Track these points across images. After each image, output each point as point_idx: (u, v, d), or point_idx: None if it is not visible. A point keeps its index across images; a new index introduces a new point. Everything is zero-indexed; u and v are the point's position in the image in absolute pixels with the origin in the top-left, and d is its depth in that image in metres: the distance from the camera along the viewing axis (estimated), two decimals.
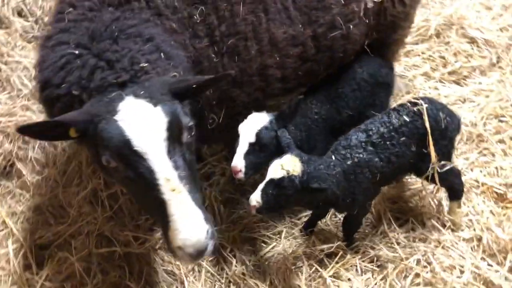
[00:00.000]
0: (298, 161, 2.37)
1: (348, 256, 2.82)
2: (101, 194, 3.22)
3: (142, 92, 2.03)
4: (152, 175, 1.96)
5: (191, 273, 2.94)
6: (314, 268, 2.74)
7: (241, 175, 2.59)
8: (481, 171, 3.29)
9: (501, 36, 4.20)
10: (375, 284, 2.74)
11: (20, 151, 3.41)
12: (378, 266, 2.85)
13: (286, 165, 2.34)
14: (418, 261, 2.77)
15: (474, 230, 2.94)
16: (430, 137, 2.63)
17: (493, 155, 3.39)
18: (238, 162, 2.56)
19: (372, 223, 3.09)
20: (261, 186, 2.36)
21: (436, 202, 3.11)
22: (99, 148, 2.03)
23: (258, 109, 2.75)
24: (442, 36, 4.26)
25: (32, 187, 3.35)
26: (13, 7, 3.96)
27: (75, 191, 3.26)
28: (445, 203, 3.07)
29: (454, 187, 2.90)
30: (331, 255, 2.84)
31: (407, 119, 2.66)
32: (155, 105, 2.01)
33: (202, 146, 3.46)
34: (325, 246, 2.82)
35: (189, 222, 1.96)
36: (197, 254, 1.99)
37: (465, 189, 3.05)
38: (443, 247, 2.84)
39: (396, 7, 2.98)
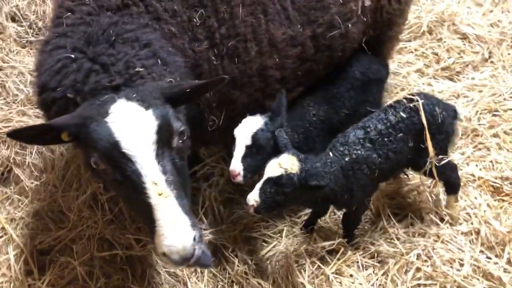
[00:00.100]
0: (296, 160, 2.39)
1: (349, 253, 2.85)
2: (100, 197, 3.21)
3: (134, 95, 2.04)
4: (139, 178, 1.96)
5: (193, 274, 2.94)
6: (316, 265, 2.76)
7: (239, 179, 2.59)
8: (476, 165, 3.34)
9: (492, 32, 4.27)
10: (377, 279, 2.76)
11: (17, 156, 3.39)
12: (379, 262, 2.87)
13: (284, 164, 2.36)
14: (418, 256, 2.80)
15: (472, 223, 2.98)
16: (427, 132, 2.67)
17: (488, 149, 3.44)
18: (236, 165, 2.57)
19: (371, 219, 3.13)
20: (258, 185, 2.36)
21: (434, 197, 3.15)
22: (88, 150, 2.04)
23: (258, 110, 2.76)
24: (435, 33, 4.32)
25: (30, 193, 3.34)
26: (6, 12, 3.93)
27: (74, 196, 3.25)
28: (443, 197, 3.11)
29: (451, 181, 2.94)
30: (332, 252, 2.87)
31: (403, 115, 2.69)
32: (146, 108, 2.01)
33: (201, 147, 3.47)
34: (326, 243, 2.84)
35: (175, 228, 1.94)
36: (182, 261, 1.97)
37: (461, 183, 3.10)
38: (442, 241, 2.88)
39: (392, 4, 3.03)
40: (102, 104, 2.02)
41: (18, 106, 3.59)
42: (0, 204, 3.34)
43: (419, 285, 2.69)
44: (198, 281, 2.91)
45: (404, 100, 2.75)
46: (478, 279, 2.67)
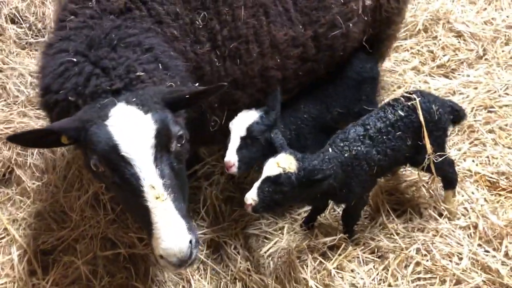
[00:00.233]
0: (293, 159, 2.43)
1: (350, 248, 2.89)
2: (102, 197, 3.24)
3: (134, 99, 2.06)
4: (137, 181, 1.98)
5: (196, 271, 2.98)
6: (318, 261, 2.79)
7: (234, 170, 2.63)
8: (473, 161, 3.40)
9: (486, 29, 4.33)
10: (377, 274, 2.80)
11: (19, 157, 3.41)
12: (379, 257, 2.91)
13: (282, 163, 2.39)
14: (418, 250, 2.85)
15: (470, 218, 3.03)
16: (425, 130, 2.72)
17: (484, 144, 3.50)
18: (231, 157, 2.61)
19: (371, 215, 3.17)
20: (256, 184, 2.39)
21: (432, 193, 3.20)
22: (88, 152, 2.07)
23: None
24: (430, 31, 4.38)
25: (32, 193, 3.36)
26: (5, 14, 3.94)
27: (76, 196, 3.28)
28: (441, 193, 3.16)
29: (449, 176, 2.99)
30: (333, 248, 2.90)
31: (402, 113, 2.74)
32: (145, 112, 2.04)
33: (202, 147, 3.50)
34: (327, 239, 2.88)
35: (172, 231, 1.97)
36: (179, 264, 2.00)
37: (458, 179, 3.15)
38: (441, 236, 2.92)
39: (391, 3, 3.08)
40: (102, 108, 2.05)
41: (18, 108, 3.61)
42: (2, 205, 3.36)
43: (419, 279, 2.73)
44: (201, 278, 2.95)
45: (402, 99, 2.80)
46: (477, 272, 2.71)
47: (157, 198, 1.97)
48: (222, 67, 2.60)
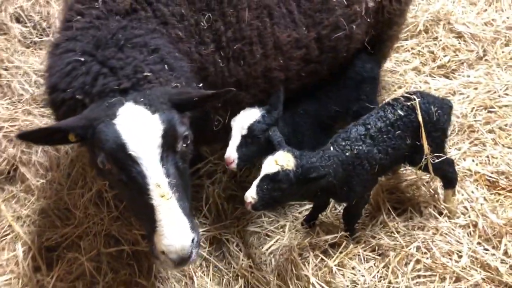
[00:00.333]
0: (291, 157, 2.45)
1: (351, 246, 2.92)
2: (106, 195, 3.27)
3: (142, 99, 2.10)
4: (143, 179, 2.02)
5: (199, 268, 3.01)
6: (319, 258, 2.82)
7: (233, 166, 2.69)
8: (473, 160, 3.43)
9: (486, 30, 4.36)
10: (378, 271, 2.83)
11: (23, 155, 3.44)
12: (379, 255, 2.95)
13: (280, 161, 2.42)
14: (418, 248, 2.88)
15: (470, 216, 3.06)
16: (423, 130, 2.76)
17: (484, 144, 3.53)
18: (231, 153, 2.67)
19: (372, 213, 3.20)
20: (255, 182, 2.42)
21: (432, 192, 3.24)
22: (95, 149, 2.09)
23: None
24: (431, 32, 4.42)
25: (36, 191, 3.39)
26: (11, 13, 3.97)
27: (80, 193, 3.31)
28: (441, 192, 3.19)
29: (448, 176, 3.03)
30: (334, 246, 2.93)
31: (401, 113, 2.78)
32: (153, 112, 2.07)
33: (204, 146, 3.53)
34: (329, 237, 2.90)
35: (175, 229, 2.00)
36: (180, 261, 2.03)
37: (458, 178, 3.18)
38: (441, 234, 2.96)
39: (393, 4, 3.11)
40: (110, 107, 2.08)
41: (23, 106, 3.64)
42: (7, 202, 3.39)
43: (419, 276, 2.76)
44: (204, 275, 2.98)
45: (402, 98, 2.84)
46: (476, 270, 2.75)
47: (162, 196, 2.01)
48: (226, 68, 2.63)
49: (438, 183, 3.20)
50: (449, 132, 3.16)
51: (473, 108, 3.75)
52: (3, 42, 3.87)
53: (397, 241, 2.95)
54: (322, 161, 2.56)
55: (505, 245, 2.86)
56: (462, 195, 3.20)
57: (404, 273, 2.78)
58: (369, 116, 2.83)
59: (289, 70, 2.85)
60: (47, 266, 3.04)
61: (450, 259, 2.81)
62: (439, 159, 2.83)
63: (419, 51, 4.32)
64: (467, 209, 3.12)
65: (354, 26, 2.94)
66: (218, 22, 2.55)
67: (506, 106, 3.76)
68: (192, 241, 2.03)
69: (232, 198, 3.42)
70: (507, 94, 3.86)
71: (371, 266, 2.88)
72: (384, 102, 3.10)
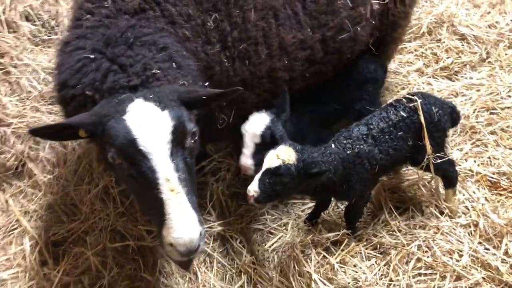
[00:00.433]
0: (293, 151, 2.49)
1: (353, 244, 2.96)
2: (112, 191, 3.32)
3: (151, 96, 2.14)
4: (153, 174, 2.05)
5: (203, 264, 3.06)
6: (321, 255, 2.86)
7: (251, 172, 2.76)
8: (475, 161, 3.47)
9: (489, 33, 4.40)
10: (379, 269, 2.87)
11: (31, 151, 3.49)
12: (381, 253, 2.98)
13: (281, 155, 2.46)
14: (419, 247, 2.91)
15: (471, 216, 3.09)
16: (425, 131, 2.80)
17: (486, 145, 3.56)
18: (248, 161, 2.73)
19: (374, 212, 3.24)
20: (257, 176, 2.47)
21: (433, 191, 3.27)
22: (105, 145, 2.13)
23: (266, 108, 2.87)
24: (434, 34, 4.46)
25: (43, 186, 3.44)
26: (20, 11, 4.02)
27: (86, 189, 3.36)
28: (442, 191, 3.22)
29: (449, 176, 3.07)
30: (336, 243, 2.97)
31: (403, 114, 2.82)
32: (162, 109, 2.11)
33: (209, 143, 3.58)
34: (331, 235, 2.94)
35: (184, 222, 2.04)
36: (187, 253, 2.07)
37: (460, 178, 3.23)
38: (442, 233, 2.99)
39: (398, 7, 3.15)
40: (120, 103, 2.12)
41: (31, 103, 3.68)
42: (14, 197, 3.44)
43: (419, 274, 2.79)
44: (208, 270, 3.02)
45: (404, 100, 2.88)
46: (477, 269, 2.78)
47: (171, 190, 2.05)
48: (231, 68, 2.67)
49: (439, 183, 3.23)
50: (448, 133, 3.19)
51: (475, 109, 3.78)
52: (13, 40, 3.92)
53: (399, 239, 2.98)
54: (324, 157, 2.60)
55: (506, 245, 2.89)
56: (464, 195, 3.24)
57: (405, 271, 2.81)
58: (371, 116, 2.87)
59: (293, 70, 2.89)
60: (54, 260, 3.09)
61: (451, 258, 2.84)
62: (441, 159, 2.87)
63: (422, 52, 4.36)
64: (468, 209, 3.15)
65: (358, 28, 2.98)
66: (224, 23, 2.60)
67: (508, 107, 3.79)
68: (200, 234, 2.08)
69: (236, 195, 3.47)
70: (509, 96, 3.89)
71: (373, 264, 2.91)
72: (386, 103, 3.14)
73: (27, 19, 4.10)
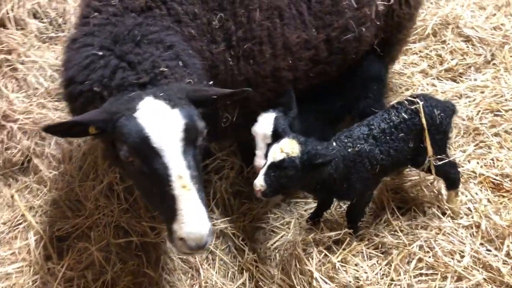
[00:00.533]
0: (296, 143, 2.50)
1: (355, 243, 2.96)
2: (116, 187, 3.35)
3: (161, 94, 2.16)
4: (166, 171, 2.08)
5: (205, 261, 3.08)
6: (323, 254, 2.87)
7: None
8: (478, 163, 3.46)
9: (494, 35, 4.39)
10: (381, 269, 2.87)
11: (37, 147, 3.54)
12: (382, 253, 2.99)
13: (285, 148, 2.47)
14: (421, 247, 2.91)
15: (473, 217, 3.09)
16: (427, 133, 2.82)
17: (489, 147, 3.56)
18: (262, 162, 2.72)
19: (376, 212, 3.25)
20: (262, 170, 2.49)
21: (436, 192, 3.28)
22: (117, 143, 2.16)
23: (271, 107, 2.88)
24: (439, 35, 4.45)
25: (49, 182, 3.48)
26: (28, 9, 4.07)
27: (91, 185, 3.39)
28: (444, 192, 3.22)
29: (451, 177, 3.07)
30: (338, 242, 2.98)
31: (405, 116, 2.83)
32: (172, 107, 2.13)
33: (213, 142, 3.60)
34: (332, 233, 2.95)
35: (195, 218, 2.08)
36: (197, 248, 2.10)
37: (463, 180, 3.23)
38: (443, 234, 2.99)
39: (403, 8, 3.16)
40: (130, 100, 2.14)
41: (38, 99, 3.72)
42: (20, 193, 3.49)
43: (421, 274, 2.79)
44: (210, 267, 3.05)
45: (406, 102, 2.89)
46: (478, 270, 2.77)
47: (183, 187, 2.08)
48: (235, 67, 2.69)
49: (441, 184, 3.24)
50: (451, 134, 3.20)
51: (479, 111, 3.78)
52: (20, 37, 3.97)
53: (400, 239, 2.99)
54: (327, 151, 2.60)
55: (508, 246, 2.88)
56: (466, 196, 3.24)
57: (406, 271, 2.81)
58: (373, 117, 2.89)
59: (297, 70, 2.91)
60: (58, 255, 3.13)
61: (452, 258, 2.84)
62: (442, 161, 2.88)
63: (427, 54, 4.36)
64: (470, 210, 3.15)
65: (363, 29, 2.99)
66: (230, 22, 2.62)
67: None
68: (209, 229, 2.11)
69: (239, 193, 3.49)
70: None
71: (374, 264, 2.92)
72: (389, 104, 3.16)
73: (35, 16, 4.14)
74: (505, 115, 3.74)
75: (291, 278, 2.82)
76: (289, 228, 3.25)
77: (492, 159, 3.47)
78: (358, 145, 2.73)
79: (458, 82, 4.13)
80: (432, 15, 4.55)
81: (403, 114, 2.84)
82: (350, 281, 2.76)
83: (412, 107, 2.83)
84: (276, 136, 2.64)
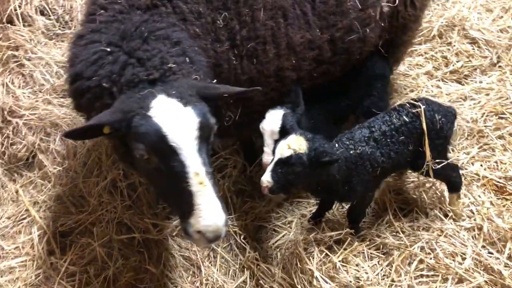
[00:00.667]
0: (303, 140, 2.50)
1: (356, 243, 2.97)
2: (120, 184, 3.38)
3: (173, 92, 2.17)
4: (183, 169, 2.11)
5: (206, 258, 3.10)
6: (324, 253, 2.87)
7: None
8: (481, 165, 3.45)
9: (501, 37, 4.36)
10: (381, 269, 2.87)
11: (42, 143, 3.57)
12: (384, 253, 2.99)
13: (292, 145, 2.47)
14: (422, 248, 2.92)
15: (475, 220, 3.09)
16: (426, 138, 2.81)
17: (493, 150, 3.55)
18: (269, 158, 2.71)
19: (378, 213, 3.25)
20: (270, 167, 2.49)
21: (438, 194, 3.27)
22: (131, 141, 2.17)
23: (274, 106, 2.88)
24: (445, 37, 4.43)
25: (53, 178, 3.51)
26: (36, 5, 4.11)
27: (95, 182, 3.42)
28: (447, 194, 3.21)
29: (452, 180, 3.07)
30: (339, 242, 2.98)
31: (406, 119, 2.83)
32: (185, 105, 2.15)
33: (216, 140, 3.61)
34: (334, 233, 2.95)
35: (213, 211, 2.13)
36: (214, 238, 2.17)
37: (466, 182, 3.23)
38: (445, 236, 2.99)
39: (408, 10, 3.15)
40: (143, 99, 2.15)
41: (44, 95, 3.76)
42: (24, 188, 3.52)
43: (422, 275, 2.80)
44: (211, 265, 3.07)
45: (407, 105, 2.89)
46: (479, 273, 2.77)
47: (200, 183, 2.12)
48: (239, 66, 2.70)
49: (444, 186, 3.24)
50: (456, 137, 3.19)
51: (484, 113, 3.76)
52: (28, 33, 4.01)
53: (402, 240, 2.99)
54: (332, 150, 2.61)
55: (510, 249, 2.88)
56: (469, 198, 3.23)
57: (407, 272, 2.82)
58: (374, 119, 2.89)
59: (301, 70, 2.91)
60: (61, 250, 3.16)
61: (454, 260, 2.84)
62: (440, 165, 2.87)
63: (432, 55, 4.34)
64: (473, 213, 3.14)
65: (367, 30, 2.98)
66: (234, 21, 2.63)
67: None
68: (225, 221, 2.18)
69: (242, 192, 3.51)
70: None
71: (375, 264, 2.92)
72: (391, 107, 3.15)
73: (42, 13, 4.18)
74: (509, 118, 3.72)
75: (291, 277, 2.83)
76: (291, 227, 3.25)
77: (496, 162, 3.46)
78: (360, 148, 2.73)
79: (463, 84, 4.11)
80: (438, 17, 4.54)
81: (404, 117, 2.84)
82: (350, 281, 2.76)
83: (414, 110, 2.84)
84: (284, 132, 2.64)
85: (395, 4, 3.07)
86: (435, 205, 3.22)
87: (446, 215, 3.13)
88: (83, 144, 3.60)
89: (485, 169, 3.42)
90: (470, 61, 4.24)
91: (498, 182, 3.33)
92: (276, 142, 2.68)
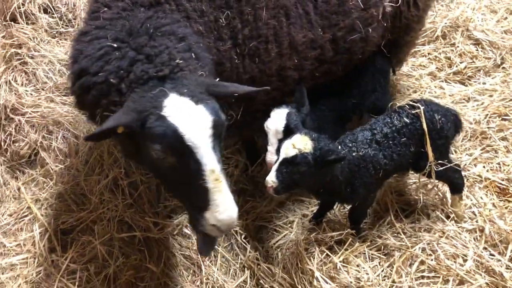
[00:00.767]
0: (309, 139, 2.49)
1: (357, 244, 2.95)
2: (121, 182, 3.38)
3: (185, 91, 2.17)
4: (199, 166, 2.13)
5: (207, 258, 3.09)
6: (325, 253, 2.86)
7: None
8: (484, 167, 3.44)
9: (505, 38, 4.35)
10: (382, 270, 2.87)
11: (44, 140, 3.58)
12: (385, 254, 2.98)
13: (297, 144, 2.46)
14: (423, 249, 2.90)
15: (477, 221, 3.07)
16: (427, 138, 2.81)
17: (496, 151, 3.54)
18: (273, 158, 2.72)
19: (380, 214, 3.24)
20: (275, 167, 2.48)
21: (440, 195, 3.26)
22: (146, 142, 2.16)
23: (276, 105, 2.87)
24: (448, 38, 4.42)
25: (55, 175, 3.52)
26: (39, 3, 4.12)
27: (96, 180, 3.42)
28: (449, 196, 3.21)
29: (454, 182, 3.06)
30: (340, 243, 2.97)
31: (407, 121, 2.83)
32: (196, 103, 2.15)
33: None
34: (335, 233, 2.94)
35: (228, 206, 2.19)
36: (228, 230, 2.33)
37: (468, 184, 3.22)
38: (447, 237, 2.97)
39: (411, 10, 3.14)
40: (155, 98, 2.14)
41: (46, 93, 3.76)
42: (26, 185, 3.54)
43: (422, 277, 2.78)
44: (212, 264, 3.06)
45: (407, 106, 2.89)
46: (481, 274, 2.75)
47: (216, 180, 2.16)
48: (241, 65, 2.70)
49: (446, 187, 3.22)
50: (458, 139, 3.18)
51: (487, 115, 3.75)
52: (31, 31, 4.02)
53: (403, 241, 2.97)
54: (338, 148, 2.62)
55: (511, 251, 2.87)
56: (471, 200, 3.22)
57: (408, 273, 2.80)
58: (375, 121, 2.89)
59: (303, 69, 2.91)
60: (62, 247, 3.16)
61: (455, 262, 2.82)
62: (443, 167, 2.86)
63: (435, 56, 4.34)
64: (475, 214, 3.13)
65: (370, 30, 2.98)
66: (236, 20, 2.63)
67: None
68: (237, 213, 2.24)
69: (243, 191, 3.50)
70: None
71: (376, 265, 2.91)
72: (391, 108, 3.14)
73: (45, 11, 4.18)
74: None
75: (292, 277, 2.83)
76: (292, 227, 3.25)
77: (499, 164, 3.45)
78: (362, 150, 2.73)
79: (466, 85, 4.10)
80: (442, 18, 4.53)
81: (404, 118, 2.83)
82: (351, 282, 2.75)
83: (413, 111, 2.83)
84: (288, 132, 2.64)
85: (398, 4, 3.06)
86: (437, 206, 3.20)
87: (448, 217, 3.12)
88: (85, 142, 3.60)
89: (487, 171, 3.41)
90: (473, 62, 4.23)
91: (500, 184, 3.31)
92: (280, 141, 2.68)
